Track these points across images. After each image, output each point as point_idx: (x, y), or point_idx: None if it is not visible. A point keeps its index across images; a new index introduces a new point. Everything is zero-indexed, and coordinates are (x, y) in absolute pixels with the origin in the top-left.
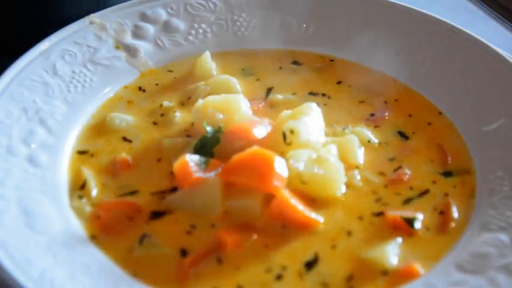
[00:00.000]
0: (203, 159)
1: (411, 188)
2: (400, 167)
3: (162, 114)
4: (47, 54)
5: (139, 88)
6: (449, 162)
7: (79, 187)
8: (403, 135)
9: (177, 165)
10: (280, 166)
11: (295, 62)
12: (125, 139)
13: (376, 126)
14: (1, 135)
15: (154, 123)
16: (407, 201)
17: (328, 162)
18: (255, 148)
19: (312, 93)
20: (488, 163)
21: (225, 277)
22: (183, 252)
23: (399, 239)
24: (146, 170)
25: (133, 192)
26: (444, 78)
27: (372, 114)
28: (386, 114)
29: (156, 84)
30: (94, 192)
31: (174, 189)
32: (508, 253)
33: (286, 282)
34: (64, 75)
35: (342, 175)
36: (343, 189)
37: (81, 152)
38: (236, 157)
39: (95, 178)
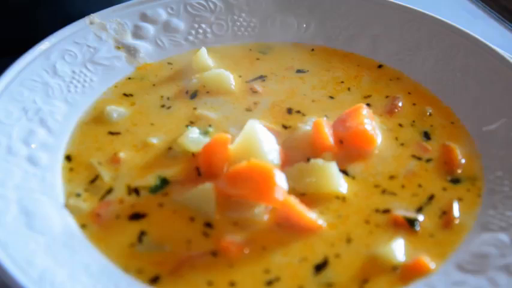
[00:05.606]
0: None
1: (420, 185)
2: (407, 165)
3: (162, 106)
4: (47, 54)
5: (138, 80)
6: (458, 161)
7: (89, 181)
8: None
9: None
10: (280, 178)
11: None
12: (120, 133)
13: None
14: (1, 135)
15: (152, 117)
16: (413, 201)
17: (315, 166)
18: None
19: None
20: (488, 163)
21: (220, 272)
22: (182, 251)
23: (403, 238)
24: (145, 167)
25: (131, 190)
26: (444, 78)
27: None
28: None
29: (156, 75)
30: (106, 178)
31: (172, 186)
32: (508, 253)
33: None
34: (64, 75)
35: (334, 172)
36: (344, 184)
37: (74, 153)
38: (233, 170)
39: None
